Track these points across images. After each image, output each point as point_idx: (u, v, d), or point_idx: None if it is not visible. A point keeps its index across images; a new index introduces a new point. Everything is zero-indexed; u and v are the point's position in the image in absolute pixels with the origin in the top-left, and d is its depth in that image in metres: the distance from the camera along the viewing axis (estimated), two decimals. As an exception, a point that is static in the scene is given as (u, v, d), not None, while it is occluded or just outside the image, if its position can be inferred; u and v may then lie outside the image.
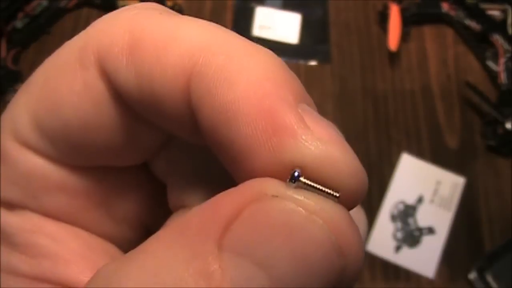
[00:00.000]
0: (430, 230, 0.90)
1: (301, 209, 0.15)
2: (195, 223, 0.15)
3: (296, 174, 0.15)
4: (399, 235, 0.90)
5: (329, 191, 0.15)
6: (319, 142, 0.15)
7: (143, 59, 0.18)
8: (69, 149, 0.20)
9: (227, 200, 0.15)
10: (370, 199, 0.92)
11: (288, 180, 0.15)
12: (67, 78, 0.19)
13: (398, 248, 0.89)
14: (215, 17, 1.05)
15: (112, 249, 0.22)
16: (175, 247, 0.14)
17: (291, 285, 0.14)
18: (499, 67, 1.01)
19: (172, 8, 1.04)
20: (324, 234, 0.14)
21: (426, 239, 0.90)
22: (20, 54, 1.01)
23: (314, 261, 0.14)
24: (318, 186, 0.15)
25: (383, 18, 1.05)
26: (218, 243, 0.14)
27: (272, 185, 0.15)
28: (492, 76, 1.03)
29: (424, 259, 0.88)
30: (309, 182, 0.15)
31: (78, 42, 0.20)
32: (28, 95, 0.20)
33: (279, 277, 0.14)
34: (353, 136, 0.95)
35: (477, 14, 1.04)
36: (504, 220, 0.89)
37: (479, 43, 1.04)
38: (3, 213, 0.20)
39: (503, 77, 1.01)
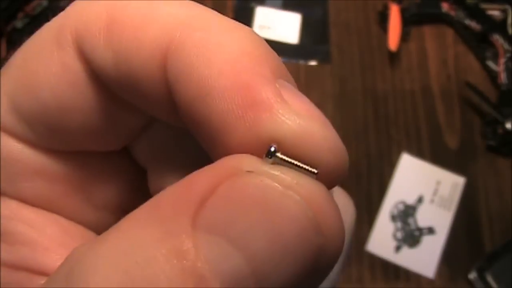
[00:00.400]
0: (430, 230, 0.90)
1: (277, 184, 0.14)
2: (169, 201, 0.14)
3: (272, 149, 0.14)
4: (399, 235, 0.90)
5: (307, 167, 0.15)
6: (296, 116, 0.14)
7: (121, 38, 0.17)
8: (48, 132, 0.19)
9: (201, 177, 0.14)
10: (370, 199, 0.92)
11: (264, 155, 0.14)
12: (44, 59, 0.19)
13: (398, 248, 0.89)
14: (215, 17, 1.05)
15: (92, 236, 0.21)
16: (147, 225, 0.14)
17: (267, 263, 0.13)
18: (499, 67, 1.01)
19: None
20: (301, 210, 0.14)
21: (426, 239, 0.90)
22: (20, 54, 1.01)
23: (290, 238, 0.13)
24: (295, 162, 0.15)
25: (383, 18, 1.05)
26: (192, 221, 0.13)
27: (248, 161, 0.14)
28: (492, 76, 1.03)
29: (424, 259, 0.88)
30: (286, 158, 0.15)
31: (55, 23, 0.20)
32: (6, 77, 0.19)
33: (254, 255, 0.13)
34: (353, 136, 0.95)
35: (477, 14, 1.04)
36: (504, 220, 0.89)
37: (479, 43, 1.04)
38: None
39: (503, 77, 1.01)
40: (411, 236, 0.90)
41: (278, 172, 0.14)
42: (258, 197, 0.14)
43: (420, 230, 0.91)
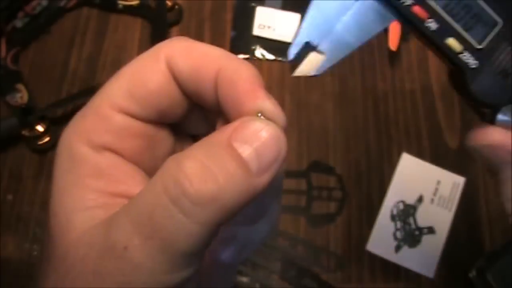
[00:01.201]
0: (430, 230, 0.90)
1: (263, 124, 0.31)
2: (221, 129, 0.31)
3: (259, 114, 0.32)
4: (399, 235, 0.90)
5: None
6: (271, 103, 0.32)
7: (193, 61, 0.33)
8: (149, 109, 0.34)
9: (232, 124, 0.31)
10: (370, 199, 0.92)
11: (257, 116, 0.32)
12: (149, 66, 0.34)
13: (398, 248, 0.89)
14: (215, 17, 1.04)
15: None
16: (212, 137, 0.31)
17: (263, 151, 0.30)
18: (499, 67, 1.01)
19: (172, 8, 1.04)
20: (272, 132, 0.31)
21: (426, 239, 0.90)
22: (20, 54, 1.01)
23: (270, 143, 0.30)
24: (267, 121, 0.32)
25: (383, 17, 1.05)
26: (230, 136, 0.30)
27: (250, 117, 0.31)
28: (492, 76, 1.02)
29: (424, 259, 0.88)
30: (263, 118, 0.32)
31: (155, 48, 0.34)
32: (120, 79, 0.34)
33: (257, 149, 0.30)
34: (353, 135, 0.95)
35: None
36: (504, 220, 0.89)
37: (479, 43, 1.04)
38: (96, 155, 0.33)
39: (503, 77, 1.01)
40: (411, 236, 0.90)
41: (264, 120, 0.31)
42: (257, 127, 0.31)
43: (420, 229, 0.91)
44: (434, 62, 1.06)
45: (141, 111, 0.34)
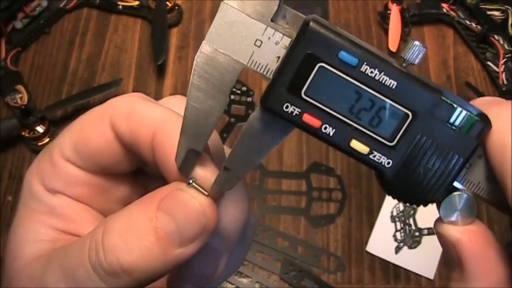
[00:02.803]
0: (430, 231, 0.90)
1: (190, 196, 0.32)
2: (149, 197, 0.33)
3: (191, 181, 0.33)
4: (399, 236, 0.90)
5: (203, 191, 0.33)
6: (204, 170, 0.33)
7: (133, 122, 0.35)
8: (91, 163, 0.37)
9: (162, 190, 0.33)
10: (370, 199, 0.92)
11: (188, 183, 0.33)
12: (93, 126, 0.36)
13: (398, 249, 0.89)
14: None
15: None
16: (137, 207, 0.33)
17: (184, 226, 0.32)
18: (499, 68, 1.01)
19: (172, 9, 1.04)
20: (198, 206, 0.32)
21: (426, 240, 0.90)
22: (20, 54, 1.01)
23: (193, 217, 0.32)
24: (197, 187, 0.33)
25: (383, 18, 1.05)
26: (157, 207, 0.32)
27: (181, 185, 0.33)
28: (492, 76, 1.03)
29: (424, 259, 0.88)
30: (194, 185, 0.33)
31: (100, 108, 0.36)
32: (71, 131, 0.37)
33: (178, 223, 0.32)
34: (353, 136, 0.95)
35: (478, 14, 1.04)
36: (504, 220, 0.89)
37: (479, 44, 1.04)
38: (49, 196, 0.37)
39: (503, 78, 1.01)
40: (411, 237, 0.90)
41: (192, 190, 0.33)
42: (183, 200, 0.32)
43: (420, 230, 0.90)
44: (434, 62, 1.06)
45: (84, 165, 0.37)
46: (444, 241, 0.34)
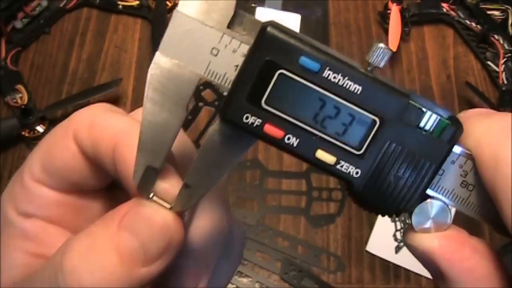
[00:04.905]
0: (430, 230, 0.90)
1: (152, 210, 0.31)
2: (110, 215, 0.31)
3: (151, 195, 0.31)
4: (399, 235, 0.90)
5: (166, 204, 0.31)
6: (166, 183, 0.31)
7: (94, 135, 0.33)
8: (61, 181, 0.35)
9: (124, 207, 0.31)
10: (370, 199, 0.92)
11: (149, 197, 0.31)
12: (58, 143, 0.35)
13: (398, 249, 0.89)
14: (215, 17, 1.05)
15: None
16: (98, 225, 0.31)
17: (147, 242, 0.30)
18: (499, 67, 1.01)
19: (172, 8, 1.04)
20: (161, 220, 0.31)
21: (426, 239, 0.90)
22: (20, 54, 1.01)
23: (156, 232, 0.30)
24: (159, 201, 0.31)
25: (383, 18, 1.05)
26: (118, 224, 0.30)
27: (142, 199, 0.31)
28: (492, 76, 1.03)
29: (424, 259, 0.88)
30: (156, 199, 0.31)
31: (65, 122, 0.35)
32: (38, 150, 0.36)
33: (141, 239, 0.30)
34: (353, 136, 0.95)
35: (477, 14, 1.04)
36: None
37: (479, 43, 1.04)
38: (22, 220, 0.36)
39: (503, 77, 1.01)
40: (411, 236, 0.90)
41: (154, 205, 0.31)
42: (145, 215, 0.31)
43: (420, 230, 0.90)
44: (434, 62, 1.06)
45: (54, 183, 0.36)
46: (416, 252, 0.32)
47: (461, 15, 1.06)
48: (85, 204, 0.38)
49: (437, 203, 0.32)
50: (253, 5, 1.03)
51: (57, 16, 1.04)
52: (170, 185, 0.31)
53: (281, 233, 0.89)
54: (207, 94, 0.98)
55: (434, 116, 0.31)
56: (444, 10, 1.06)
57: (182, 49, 0.30)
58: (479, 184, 0.32)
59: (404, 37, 1.03)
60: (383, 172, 0.31)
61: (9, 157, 0.92)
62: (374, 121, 0.30)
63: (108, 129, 0.33)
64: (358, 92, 0.30)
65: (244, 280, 0.86)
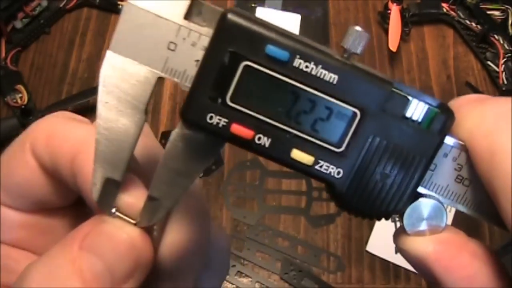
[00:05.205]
0: (430, 230, 0.90)
1: (115, 227, 0.28)
2: (70, 236, 0.28)
3: (113, 210, 0.28)
4: (399, 235, 0.90)
5: (130, 220, 0.28)
6: (129, 197, 0.29)
7: (52, 147, 0.30)
8: (22, 201, 0.33)
9: (84, 226, 0.29)
10: (370, 199, 0.92)
11: (112, 213, 0.29)
12: (16, 158, 0.32)
13: (398, 249, 0.89)
14: (215, 17, 1.05)
15: None
16: (58, 248, 0.28)
17: (113, 263, 0.27)
18: (499, 67, 1.01)
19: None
20: (125, 238, 0.28)
21: (426, 240, 0.90)
22: (20, 54, 1.01)
23: (122, 251, 0.27)
24: (123, 217, 0.29)
25: (383, 18, 1.05)
26: (79, 246, 0.27)
27: (104, 216, 0.29)
28: (492, 76, 1.03)
29: (424, 259, 0.88)
30: (119, 214, 0.28)
31: (22, 136, 0.32)
32: None
33: (106, 260, 0.27)
34: (353, 136, 0.95)
35: (478, 14, 1.04)
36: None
37: (479, 43, 1.04)
38: None
39: (503, 77, 1.01)
40: (411, 237, 0.90)
41: (117, 221, 0.28)
42: (108, 233, 0.28)
43: (420, 230, 0.90)
44: (434, 62, 1.06)
45: (15, 203, 0.33)
46: (409, 257, 0.29)
47: (461, 15, 1.06)
48: (52, 224, 0.34)
49: (430, 202, 0.29)
50: (253, 5, 1.03)
51: (57, 16, 1.04)
52: (133, 199, 0.28)
53: (281, 233, 0.89)
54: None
55: (422, 104, 0.27)
56: (444, 10, 1.06)
57: (136, 45, 0.27)
58: (476, 178, 0.28)
59: (404, 37, 1.03)
60: (367, 171, 0.28)
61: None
62: (355, 114, 0.27)
63: (67, 140, 0.30)
64: (334, 82, 0.27)
65: (244, 280, 0.86)
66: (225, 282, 0.85)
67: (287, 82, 0.26)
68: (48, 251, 0.28)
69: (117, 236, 0.28)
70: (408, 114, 0.27)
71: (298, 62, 0.26)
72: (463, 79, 1.03)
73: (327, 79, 0.27)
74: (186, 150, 0.28)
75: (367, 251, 0.88)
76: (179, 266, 0.31)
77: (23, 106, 0.92)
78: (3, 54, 0.97)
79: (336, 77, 0.26)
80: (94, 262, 0.27)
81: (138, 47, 0.27)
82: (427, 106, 0.27)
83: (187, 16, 0.27)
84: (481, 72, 1.04)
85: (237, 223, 0.90)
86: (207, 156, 0.28)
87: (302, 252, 0.88)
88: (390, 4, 1.02)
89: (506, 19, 1.03)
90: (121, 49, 0.27)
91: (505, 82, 1.00)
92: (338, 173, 0.28)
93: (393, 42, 1.00)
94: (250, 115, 0.27)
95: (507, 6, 1.03)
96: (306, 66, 0.26)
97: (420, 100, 0.27)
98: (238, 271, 0.86)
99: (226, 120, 0.27)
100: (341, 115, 0.27)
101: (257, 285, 0.86)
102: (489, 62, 1.03)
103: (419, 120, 0.27)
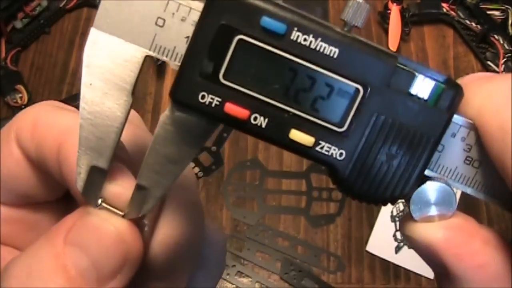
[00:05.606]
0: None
1: (101, 220, 0.26)
2: (53, 229, 0.26)
3: (100, 201, 0.27)
4: (399, 235, 0.90)
5: (118, 211, 0.27)
6: (116, 186, 0.27)
7: (38, 136, 0.29)
8: (8, 194, 0.31)
9: (68, 219, 0.27)
10: (370, 199, 0.92)
11: (98, 204, 0.27)
12: (0, 149, 0.30)
13: (398, 249, 0.89)
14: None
15: None
16: (41, 243, 0.26)
17: (99, 258, 0.25)
18: (499, 67, 1.01)
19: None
20: (113, 230, 0.26)
21: (426, 239, 0.90)
22: (20, 54, 1.01)
23: (109, 244, 0.26)
24: (110, 208, 0.27)
25: (383, 18, 1.05)
26: (64, 240, 0.26)
27: (89, 208, 0.27)
28: (492, 76, 1.02)
29: (424, 259, 0.88)
30: (106, 206, 0.27)
31: (7, 126, 0.31)
32: None
33: (92, 255, 0.25)
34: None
35: (477, 14, 1.04)
36: (504, 220, 0.89)
37: (479, 43, 1.04)
38: None
39: (503, 77, 1.01)
40: (411, 236, 0.90)
41: (103, 213, 0.27)
42: (93, 225, 0.26)
43: (420, 230, 0.90)
44: (434, 62, 1.06)
45: (1, 197, 0.31)
46: (417, 245, 0.27)
47: (461, 15, 1.06)
48: (38, 219, 0.32)
49: (438, 185, 0.27)
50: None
51: (57, 16, 1.04)
52: (121, 188, 0.27)
53: (281, 233, 0.89)
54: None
55: (428, 80, 0.25)
56: (444, 10, 1.06)
57: (121, 22, 0.25)
58: (486, 160, 0.26)
59: (404, 37, 1.03)
60: (371, 152, 0.26)
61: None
62: (357, 90, 0.25)
63: (53, 128, 0.29)
64: (335, 56, 0.25)
65: (244, 280, 0.86)
66: (225, 282, 0.85)
67: (284, 57, 0.25)
68: (31, 246, 0.26)
69: (104, 228, 0.26)
70: (413, 91, 0.25)
71: (295, 35, 0.24)
72: (463, 79, 1.03)
73: (327, 53, 0.25)
74: (176, 133, 0.26)
75: (367, 251, 0.88)
76: (171, 264, 0.29)
77: (23, 106, 0.92)
78: (3, 54, 0.97)
79: (337, 50, 0.25)
80: (79, 257, 0.25)
81: (123, 24, 0.25)
82: (433, 82, 0.25)
83: None
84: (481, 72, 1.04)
85: (237, 223, 0.90)
86: (199, 139, 0.26)
87: (302, 252, 0.88)
88: (390, 4, 1.02)
89: (506, 19, 1.03)
90: (105, 26, 0.25)
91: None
92: (341, 154, 0.26)
93: (393, 42, 1.00)
94: (245, 93, 0.25)
95: (507, 6, 1.03)
96: (305, 39, 0.24)
97: (426, 75, 0.25)
98: (238, 271, 0.86)
99: (219, 99, 0.25)
100: (342, 92, 0.25)
101: (257, 285, 0.86)
102: (489, 62, 1.03)
103: (426, 97, 0.26)
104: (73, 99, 0.94)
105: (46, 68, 1.00)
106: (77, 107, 0.27)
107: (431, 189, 0.27)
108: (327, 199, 0.92)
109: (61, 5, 1.04)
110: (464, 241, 0.26)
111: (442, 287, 0.27)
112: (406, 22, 1.03)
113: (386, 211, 0.91)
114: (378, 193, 0.27)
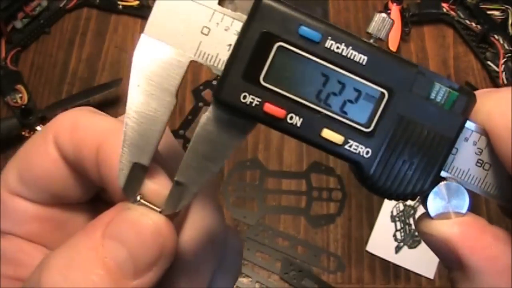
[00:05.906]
0: (430, 230, 0.90)
1: (140, 213, 0.28)
2: (92, 224, 0.28)
3: (138, 197, 0.28)
4: (399, 235, 0.90)
5: (155, 207, 0.28)
6: (154, 183, 0.28)
7: (76, 138, 0.30)
8: (40, 193, 0.32)
9: (107, 214, 0.28)
10: (370, 199, 0.92)
11: (136, 200, 0.28)
12: (36, 149, 0.32)
13: (398, 249, 0.89)
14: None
15: None
16: (80, 236, 0.28)
17: (137, 252, 0.27)
18: (499, 67, 1.01)
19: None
20: (151, 224, 0.27)
21: (426, 240, 0.90)
22: (20, 54, 1.01)
23: (147, 238, 0.27)
24: (148, 204, 0.28)
25: (383, 18, 1.05)
26: (102, 233, 0.27)
27: (128, 203, 0.28)
28: (492, 76, 1.02)
29: (424, 259, 0.88)
30: (144, 202, 0.28)
31: (45, 128, 0.32)
32: (15, 160, 0.33)
33: (130, 248, 0.27)
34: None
35: (478, 14, 1.04)
36: (504, 220, 0.89)
37: (479, 43, 1.04)
38: None
39: (503, 77, 1.01)
40: (411, 237, 0.90)
41: (142, 208, 0.28)
42: (132, 220, 0.27)
43: (420, 230, 0.90)
44: (434, 62, 1.06)
45: (32, 195, 0.32)
46: (433, 240, 0.30)
47: (461, 15, 1.06)
48: (67, 219, 0.34)
49: (453, 185, 0.30)
50: (253, 5, 1.03)
51: (57, 16, 1.04)
52: (159, 185, 0.28)
53: (281, 233, 0.89)
54: (207, 94, 0.98)
55: (444, 87, 0.29)
56: (444, 10, 1.06)
57: (170, 29, 0.27)
58: (496, 162, 0.30)
59: (404, 37, 1.03)
60: (395, 151, 0.29)
61: (9, 157, 0.92)
62: (383, 94, 0.28)
63: (91, 130, 0.30)
64: (364, 63, 0.28)
65: (244, 280, 0.86)
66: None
67: (318, 63, 0.28)
68: (69, 239, 0.28)
69: (142, 222, 0.27)
70: (432, 96, 0.29)
71: (329, 43, 0.27)
72: (463, 79, 1.03)
73: (357, 60, 0.28)
74: (216, 133, 0.28)
75: (367, 251, 0.88)
76: (197, 260, 0.30)
77: (23, 106, 0.92)
78: (3, 54, 0.97)
79: (366, 58, 0.28)
80: (117, 250, 0.27)
81: (172, 31, 0.28)
82: (449, 89, 0.29)
83: (221, 1, 0.28)
84: (481, 72, 1.04)
85: (237, 223, 0.89)
86: (237, 138, 0.29)
87: (302, 252, 0.88)
88: (390, 4, 1.02)
89: (506, 19, 1.03)
90: (155, 33, 0.28)
91: (505, 82, 1.00)
92: (367, 152, 0.29)
93: (393, 42, 1.00)
94: (283, 94, 0.28)
95: (507, 6, 1.03)
96: (337, 47, 0.28)
97: (442, 83, 0.29)
98: (238, 271, 0.86)
99: (259, 100, 0.28)
100: (369, 96, 0.28)
101: (257, 285, 0.86)
102: (489, 62, 1.03)
103: (442, 101, 0.29)
104: (73, 99, 0.94)
105: (46, 68, 1.00)
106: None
107: (446, 189, 0.30)
108: (327, 199, 0.92)
109: (61, 5, 1.04)
110: (477, 236, 0.29)
111: (455, 280, 0.30)
112: (406, 22, 1.03)
113: (386, 211, 0.91)
114: (399, 189, 0.29)
